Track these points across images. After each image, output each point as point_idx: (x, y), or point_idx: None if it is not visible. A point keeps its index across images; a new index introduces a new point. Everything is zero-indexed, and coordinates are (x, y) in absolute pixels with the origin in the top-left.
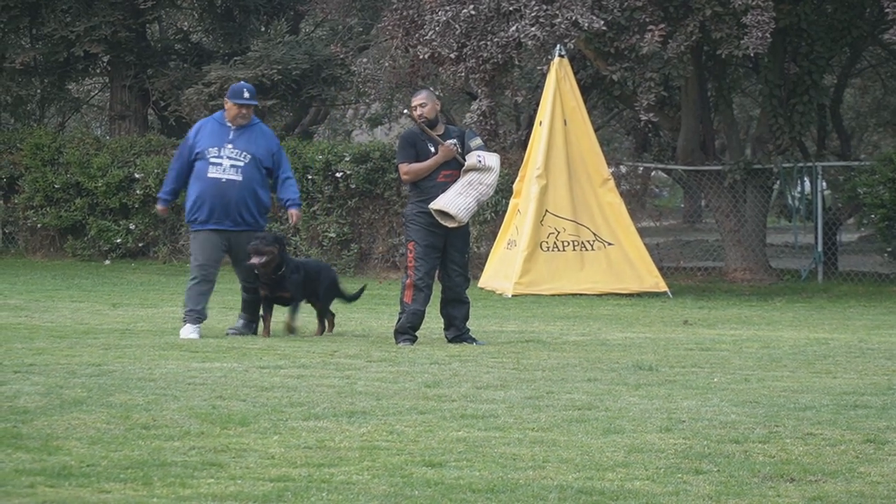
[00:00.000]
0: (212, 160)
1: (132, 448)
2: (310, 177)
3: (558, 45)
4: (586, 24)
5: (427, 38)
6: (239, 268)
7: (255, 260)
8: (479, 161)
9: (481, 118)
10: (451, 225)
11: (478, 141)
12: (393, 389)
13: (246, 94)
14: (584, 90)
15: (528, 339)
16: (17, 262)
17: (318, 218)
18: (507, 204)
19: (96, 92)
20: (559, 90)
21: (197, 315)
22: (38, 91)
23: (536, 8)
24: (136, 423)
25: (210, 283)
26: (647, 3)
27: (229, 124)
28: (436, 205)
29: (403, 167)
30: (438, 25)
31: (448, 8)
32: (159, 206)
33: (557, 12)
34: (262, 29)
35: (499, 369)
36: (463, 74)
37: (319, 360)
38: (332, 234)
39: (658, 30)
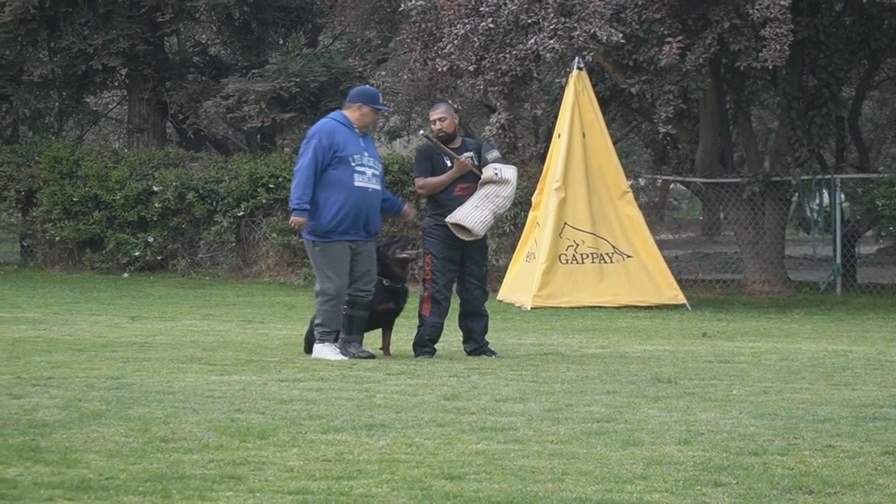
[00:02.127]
0: (357, 168)
1: (151, 461)
2: None
3: (577, 58)
4: (605, 37)
5: (446, 50)
6: (361, 278)
7: (411, 252)
8: (496, 174)
9: (500, 131)
10: (467, 238)
11: (495, 153)
12: (412, 402)
13: (381, 100)
14: (603, 103)
15: (547, 352)
16: (35, 275)
17: None
18: (526, 216)
19: (114, 105)
20: (578, 103)
21: (336, 334)
22: (57, 104)
23: (555, 21)
24: (154, 436)
25: (342, 300)
26: (666, 15)
27: (357, 130)
28: (452, 218)
29: (419, 181)
30: (457, 38)
31: (467, 21)
32: (299, 217)
33: (576, 25)
34: (280, 41)
35: (518, 382)
36: (481, 87)
37: (338, 373)
38: None
39: (676, 42)
